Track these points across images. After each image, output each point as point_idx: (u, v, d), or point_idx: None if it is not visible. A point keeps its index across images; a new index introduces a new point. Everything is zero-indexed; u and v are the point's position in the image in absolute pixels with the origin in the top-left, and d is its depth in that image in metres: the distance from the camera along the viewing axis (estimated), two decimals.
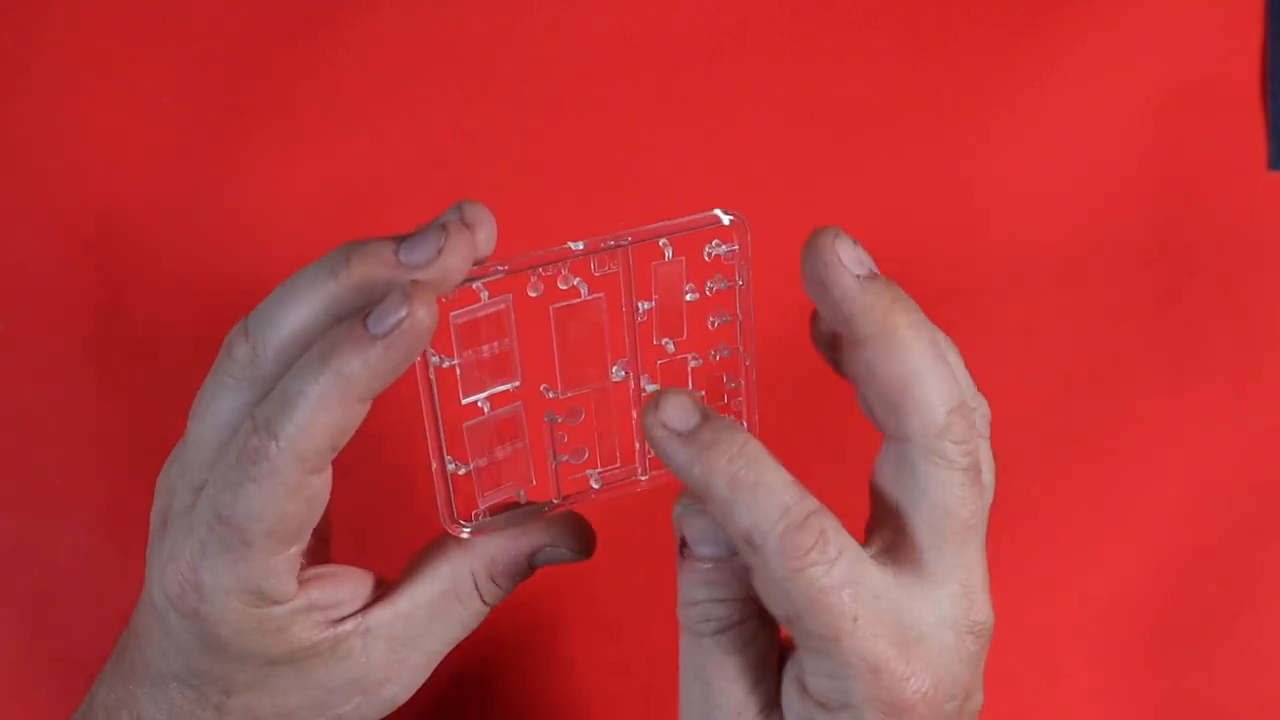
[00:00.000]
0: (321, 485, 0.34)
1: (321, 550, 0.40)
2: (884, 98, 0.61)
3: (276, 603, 0.35)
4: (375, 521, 0.56)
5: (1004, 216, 0.61)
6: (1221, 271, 0.61)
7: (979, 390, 0.37)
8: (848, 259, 0.34)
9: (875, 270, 0.35)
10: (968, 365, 0.60)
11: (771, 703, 0.35)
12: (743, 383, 0.38)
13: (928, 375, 0.33)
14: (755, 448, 0.33)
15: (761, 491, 0.32)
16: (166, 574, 0.35)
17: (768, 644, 0.35)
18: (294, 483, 0.33)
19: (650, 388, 0.38)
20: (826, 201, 0.61)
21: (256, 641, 0.35)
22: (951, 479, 0.34)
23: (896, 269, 0.61)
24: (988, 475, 0.37)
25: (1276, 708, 0.60)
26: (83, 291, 0.59)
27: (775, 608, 0.33)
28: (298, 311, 0.34)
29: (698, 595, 0.35)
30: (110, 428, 0.59)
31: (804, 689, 0.34)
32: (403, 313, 0.32)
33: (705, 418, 0.33)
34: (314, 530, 0.38)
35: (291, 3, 0.60)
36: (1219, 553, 0.60)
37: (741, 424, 0.39)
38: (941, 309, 0.61)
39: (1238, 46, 0.61)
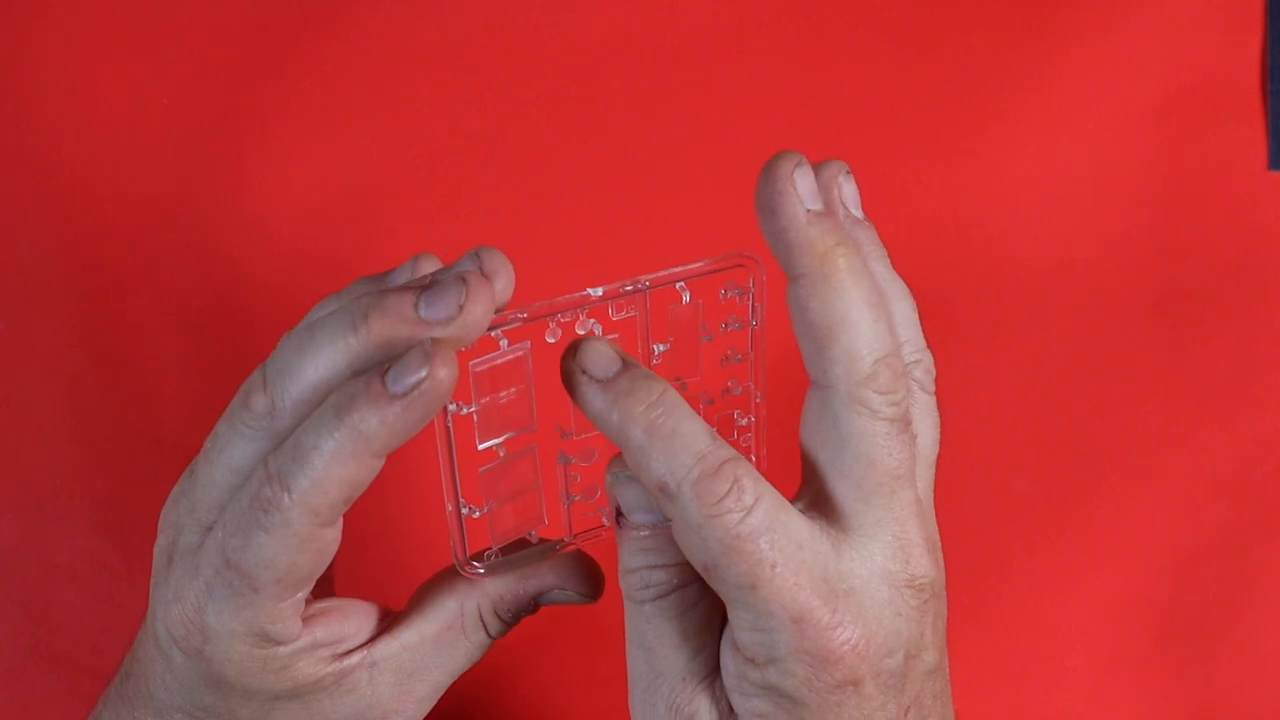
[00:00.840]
0: (333, 537, 0.33)
1: (325, 582, 0.40)
2: (883, 99, 0.61)
3: (281, 644, 0.35)
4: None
5: (1004, 217, 0.61)
6: (1221, 272, 0.61)
7: (928, 346, 0.36)
8: (803, 190, 0.33)
9: (852, 210, 0.35)
10: (968, 365, 0.60)
11: (716, 669, 0.34)
12: (753, 419, 0.38)
13: (858, 321, 0.32)
14: (673, 396, 0.32)
15: (677, 439, 0.32)
16: (171, 614, 0.35)
17: (710, 610, 0.34)
18: (305, 535, 0.32)
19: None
20: None
21: (260, 680, 0.35)
22: (875, 428, 0.33)
23: (896, 270, 0.61)
24: (928, 430, 0.35)
25: (1277, 708, 0.60)
26: (83, 292, 0.59)
27: (694, 557, 0.32)
28: (317, 364, 0.33)
29: (635, 562, 0.34)
30: (110, 428, 0.59)
31: (735, 646, 0.33)
32: (423, 373, 0.31)
33: (625, 365, 0.33)
34: None
35: (291, 3, 0.60)
36: (1219, 553, 0.60)
37: (751, 458, 0.39)
38: (941, 309, 0.61)
39: (1238, 46, 0.61)
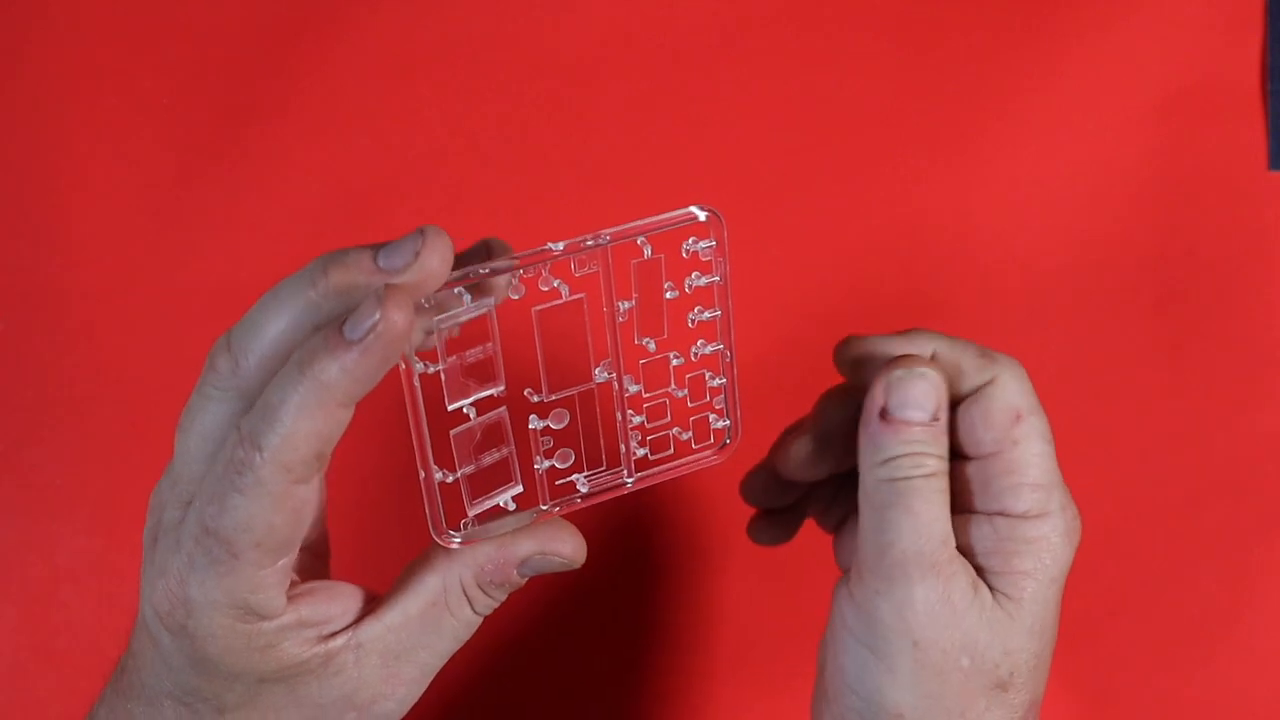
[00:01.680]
0: (308, 495, 0.33)
1: (319, 568, 0.39)
2: (883, 99, 0.61)
3: (265, 618, 0.35)
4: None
5: (1004, 217, 0.61)
6: (1222, 272, 0.61)
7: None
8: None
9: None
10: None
11: (958, 544, 0.39)
12: (724, 379, 0.39)
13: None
14: None
15: None
16: (156, 591, 0.34)
17: (946, 500, 0.39)
18: (280, 493, 0.32)
19: (633, 389, 0.38)
20: (826, 204, 0.61)
21: (245, 659, 0.35)
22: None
23: (897, 269, 0.61)
24: None
25: (1276, 708, 0.60)
26: (83, 291, 0.59)
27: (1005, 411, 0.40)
28: (278, 321, 0.33)
29: (908, 448, 0.39)
30: (110, 428, 0.59)
31: (1009, 515, 0.39)
32: (376, 316, 0.31)
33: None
34: (310, 547, 0.38)
35: (291, 3, 0.60)
36: (1219, 553, 0.60)
37: (726, 421, 0.39)
38: (941, 309, 0.61)
39: (1238, 46, 0.61)
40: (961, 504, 0.41)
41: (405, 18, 0.60)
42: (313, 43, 0.60)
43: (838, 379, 0.43)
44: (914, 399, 0.39)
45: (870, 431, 0.39)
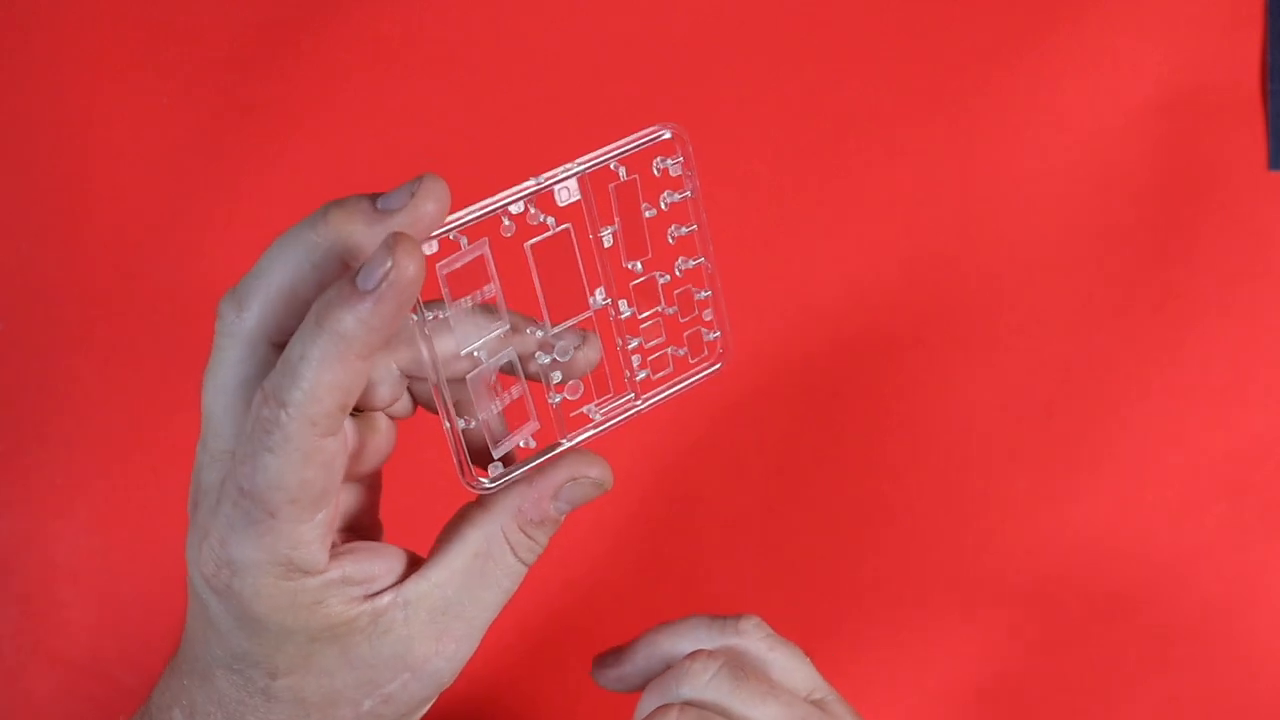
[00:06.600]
0: (337, 448, 0.34)
1: (372, 528, 0.40)
2: (883, 98, 0.61)
3: (308, 574, 0.35)
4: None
5: (1004, 216, 0.61)
6: (1221, 271, 0.61)
7: None
8: None
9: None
10: (968, 365, 0.60)
11: None
12: (709, 292, 0.39)
13: None
14: None
15: None
16: (201, 555, 0.35)
17: None
18: (309, 448, 0.33)
19: (627, 312, 0.39)
20: (826, 206, 0.61)
21: (293, 617, 0.35)
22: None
23: (897, 269, 0.61)
24: None
25: (1276, 708, 0.60)
26: (83, 291, 0.59)
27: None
28: (284, 264, 0.34)
29: None
30: (110, 428, 0.59)
31: None
32: (388, 264, 0.32)
33: None
34: (358, 525, 0.39)
35: (291, 3, 0.60)
36: (1219, 553, 0.60)
37: (716, 333, 0.40)
38: (941, 309, 0.61)
39: (1238, 46, 0.61)
40: None
41: (405, 18, 0.60)
42: (312, 42, 0.60)
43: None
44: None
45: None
